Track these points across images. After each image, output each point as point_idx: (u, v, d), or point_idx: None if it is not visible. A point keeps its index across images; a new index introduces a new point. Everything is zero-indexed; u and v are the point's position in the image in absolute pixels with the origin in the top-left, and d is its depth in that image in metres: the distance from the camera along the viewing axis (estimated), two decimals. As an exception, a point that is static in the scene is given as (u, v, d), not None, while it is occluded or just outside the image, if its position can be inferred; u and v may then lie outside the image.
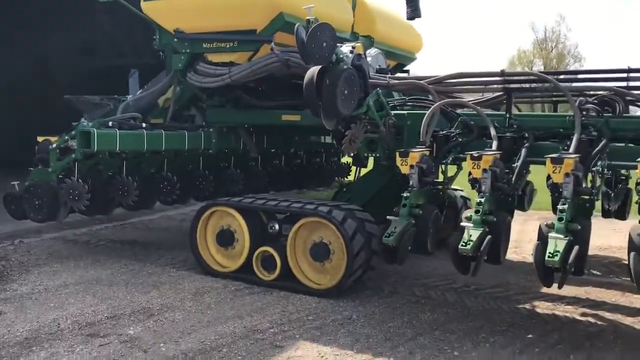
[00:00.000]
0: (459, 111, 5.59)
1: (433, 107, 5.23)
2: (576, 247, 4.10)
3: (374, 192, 6.36)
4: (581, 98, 5.22)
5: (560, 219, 4.23)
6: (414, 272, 6.40)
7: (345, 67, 4.91)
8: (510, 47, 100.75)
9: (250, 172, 8.02)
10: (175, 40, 6.53)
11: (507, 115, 5.23)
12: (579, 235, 4.24)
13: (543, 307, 5.40)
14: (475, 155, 4.56)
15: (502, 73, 5.20)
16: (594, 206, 4.61)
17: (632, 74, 4.80)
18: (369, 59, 6.83)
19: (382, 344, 4.48)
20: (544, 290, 5.88)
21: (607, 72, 4.94)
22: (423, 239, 4.90)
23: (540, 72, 4.99)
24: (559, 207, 4.29)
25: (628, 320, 5.08)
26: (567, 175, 4.25)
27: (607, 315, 5.21)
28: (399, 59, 8.47)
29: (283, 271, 5.81)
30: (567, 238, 4.15)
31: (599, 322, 5.04)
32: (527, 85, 5.29)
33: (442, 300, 5.56)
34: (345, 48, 5.20)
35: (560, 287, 4.28)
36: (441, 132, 5.40)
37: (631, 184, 6.22)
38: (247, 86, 6.73)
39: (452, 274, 5.42)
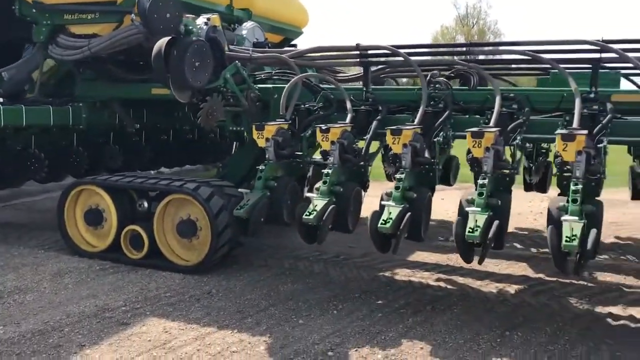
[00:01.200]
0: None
1: (292, 80, 5.26)
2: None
3: (248, 167, 6.35)
4: (434, 71, 5.40)
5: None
6: (289, 245, 6.49)
7: (195, 38, 4.83)
8: (434, 23, 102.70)
9: (133, 148, 7.81)
10: (34, 11, 6.19)
11: (365, 89, 5.33)
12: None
13: (402, 274, 5.62)
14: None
15: (357, 47, 5.28)
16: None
17: (472, 48, 4.99)
18: (244, 32, 6.79)
19: (233, 316, 4.53)
20: (409, 258, 6.16)
21: (451, 46, 5.12)
22: (279, 210, 4.94)
23: (393, 45, 5.08)
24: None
25: (476, 284, 5.37)
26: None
27: (460, 279, 5.49)
28: (285, 34, 8.43)
29: (151, 249, 5.74)
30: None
31: (448, 287, 5.31)
32: (384, 59, 5.41)
33: (307, 271, 5.67)
34: (200, 19, 5.11)
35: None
36: (302, 106, 5.44)
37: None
38: (117, 59, 6.50)
39: (325, 245, 5.51)
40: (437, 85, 5.23)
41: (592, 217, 4.02)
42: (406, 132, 4.43)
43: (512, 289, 5.25)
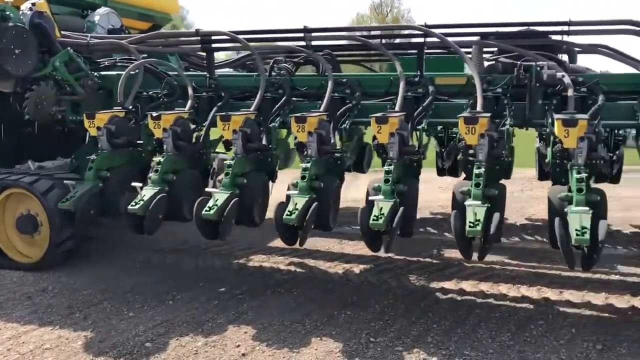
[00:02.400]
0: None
1: (130, 67, 5.11)
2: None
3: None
4: (280, 57, 5.41)
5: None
6: (152, 237, 6.32)
7: (12, 24, 4.57)
8: (350, 11, 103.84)
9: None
10: None
11: (208, 75, 5.26)
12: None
13: (255, 260, 5.63)
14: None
15: (197, 32, 5.20)
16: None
17: (310, 34, 5.03)
18: (96, 18, 6.52)
19: (61, 312, 4.36)
20: (271, 244, 6.17)
21: (289, 31, 5.14)
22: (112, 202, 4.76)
23: (232, 31, 5.04)
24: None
25: (326, 266, 5.46)
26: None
27: (311, 262, 5.57)
28: (154, 20, 8.18)
29: (-7, 246, 5.43)
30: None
31: (297, 270, 5.38)
32: (229, 45, 5.36)
33: (159, 263, 5.57)
34: (25, 5, 4.85)
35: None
36: (145, 93, 5.30)
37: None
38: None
39: (193, 237, 5.42)
40: (281, 72, 5.24)
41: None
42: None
43: (358, 269, 5.38)
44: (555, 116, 3.87)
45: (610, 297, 4.67)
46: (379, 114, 4.12)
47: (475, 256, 3.99)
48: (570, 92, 4.17)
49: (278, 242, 6.16)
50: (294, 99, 5.01)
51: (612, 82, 4.43)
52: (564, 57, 5.11)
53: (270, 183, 4.87)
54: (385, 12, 58.69)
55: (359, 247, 6.02)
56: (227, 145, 4.56)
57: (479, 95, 4.29)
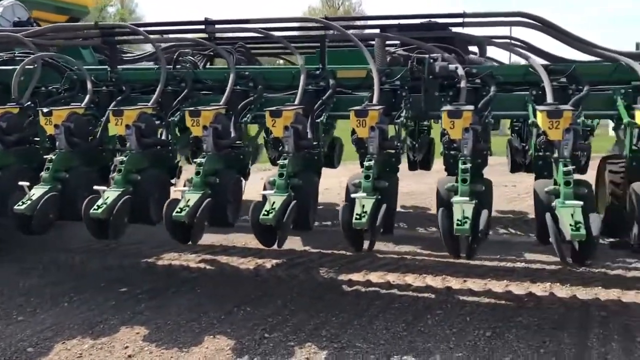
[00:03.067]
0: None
1: (25, 61, 4.90)
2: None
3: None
4: (183, 50, 5.30)
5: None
6: (62, 238, 6.13)
7: None
8: (302, 4, 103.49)
9: None
10: None
11: (109, 69, 5.10)
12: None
13: (166, 259, 5.51)
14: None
15: (95, 25, 5.03)
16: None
17: (213, 26, 4.93)
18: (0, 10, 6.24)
19: (-56, 319, 4.16)
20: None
21: (190, 23, 5.04)
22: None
23: (134, 24, 4.90)
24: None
25: (239, 262, 5.40)
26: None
27: (224, 259, 5.50)
28: (71, 13, 7.91)
29: None
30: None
31: (208, 267, 5.29)
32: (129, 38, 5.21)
33: (65, 264, 5.38)
34: None
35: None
36: (43, 88, 5.10)
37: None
38: None
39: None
40: (187, 65, 5.13)
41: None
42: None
43: (270, 264, 5.34)
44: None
45: (511, 284, 4.78)
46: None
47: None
48: (462, 84, 4.22)
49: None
50: (206, 92, 4.91)
51: (506, 73, 4.50)
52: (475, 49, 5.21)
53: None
54: (337, 4, 58.77)
55: (276, 242, 5.98)
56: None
57: (375, 89, 4.28)
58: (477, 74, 4.37)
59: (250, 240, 6.03)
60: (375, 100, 4.23)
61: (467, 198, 3.62)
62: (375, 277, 4.97)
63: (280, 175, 3.97)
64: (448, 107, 3.86)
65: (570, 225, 3.36)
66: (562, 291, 4.60)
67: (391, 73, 4.54)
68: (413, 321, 4.07)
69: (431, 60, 4.27)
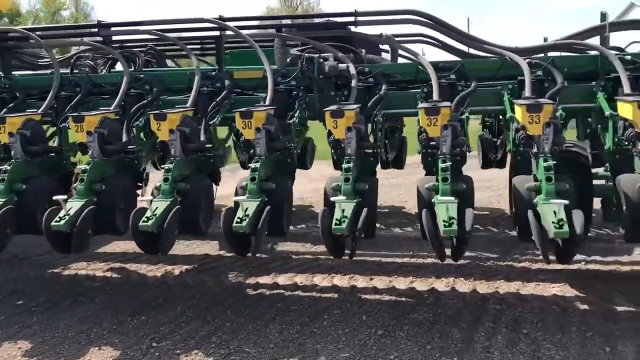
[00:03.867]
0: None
1: None
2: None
3: None
4: (80, 54, 5.17)
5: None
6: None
7: None
8: (260, 4, 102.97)
9: None
10: None
11: (3, 75, 4.93)
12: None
13: (74, 268, 5.36)
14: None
15: (-14, 30, 4.87)
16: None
17: (108, 29, 4.82)
18: None
19: None
20: (102, 249, 5.92)
21: (82, 27, 4.93)
22: None
23: (26, 28, 4.75)
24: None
25: (148, 269, 5.28)
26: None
27: (133, 266, 5.37)
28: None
29: None
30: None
31: (114, 276, 5.16)
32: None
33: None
34: None
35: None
36: None
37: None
38: None
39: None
40: (86, 69, 5.01)
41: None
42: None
43: (179, 270, 5.25)
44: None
45: (416, 280, 4.79)
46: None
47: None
48: (353, 83, 4.21)
49: (108, 247, 5.98)
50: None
51: (399, 71, 4.52)
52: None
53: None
54: (295, 4, 58.75)
55: (192, 248, 5.90)
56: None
57: (269, 89, 4.24)
58: (369, 73, 4.37)
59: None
60: (268, 101, 4.18)
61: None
62: (283, 279, 4.93)
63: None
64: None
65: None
66: (465, 286, 4.64)
67: (286, 73, 4.50)
68: (309, 323, 4.04)
69: (321, 60, 4.25)
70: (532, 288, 4.54)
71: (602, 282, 4.60)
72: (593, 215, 4.88)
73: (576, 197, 3.56)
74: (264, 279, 4.92)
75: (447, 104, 3.76)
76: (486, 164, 6.38)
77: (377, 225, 4.31)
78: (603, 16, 4.03)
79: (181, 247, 5.85)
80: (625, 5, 36.88)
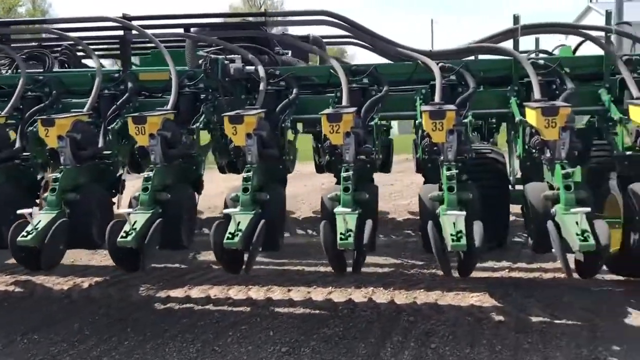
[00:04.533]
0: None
1: None
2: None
3: None
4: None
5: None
6: None
7: None
8: (223, 3, 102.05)
9: None
10: None
11: None
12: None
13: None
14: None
15: None
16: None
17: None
18: None
19: None
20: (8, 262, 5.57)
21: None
22: None
23: None
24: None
25: (55, 282, 4.96)
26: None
27: (41, 279, 5.04)
28: None
29: None
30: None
31: (17, 290, 4.85)
32: None
33: None
34: None
35: (355, 271, 3.50)
36: None
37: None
38: None
39: None
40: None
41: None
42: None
43: (88, 283, 4.95)
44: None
45: (335, 291, 4.61)
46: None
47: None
48: (262, 86, 4.01)
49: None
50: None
51: (313, 74, 4.34)
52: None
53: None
54: (259, 4, 58.39)
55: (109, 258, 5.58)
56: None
57: (173, 92, 4.01)
58: (280, 76, 4.18)
59: (81, 256, 5.62)
60: (170, 106, 3.95)
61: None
62: (197, 291, 4.68)
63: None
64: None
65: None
66: (383, 296, 4.49)
67: (194, 75, 4.28)
68: (212, 340, 3.82)
69: (227, 62, 4.03)
70: (450, 298, 4.42)
71: (523, 290, 4.51)
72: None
73: (493, 204, 3.51)
74: (176, 292, 4.68)
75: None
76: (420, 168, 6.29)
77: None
78: (516, 19, 3.94)
79: (98, 257, 5.57)
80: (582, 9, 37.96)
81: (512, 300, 4.31)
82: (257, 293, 4.62)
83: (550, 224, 3.17)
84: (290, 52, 5.12)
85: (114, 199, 4.33)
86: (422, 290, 4.57)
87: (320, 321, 4.05)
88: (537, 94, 3.66)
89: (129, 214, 3.45)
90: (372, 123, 3.77)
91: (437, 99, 3.74)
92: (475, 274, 4.85)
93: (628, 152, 3.58)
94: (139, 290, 4.76)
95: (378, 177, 4.23)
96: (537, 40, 5.53)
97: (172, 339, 3.83)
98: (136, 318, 4.20)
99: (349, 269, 3.54)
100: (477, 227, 3.19)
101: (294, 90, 4.08)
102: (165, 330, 3.98)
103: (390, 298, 4.44)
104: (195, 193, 4.15)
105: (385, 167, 6.36)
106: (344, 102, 3.81)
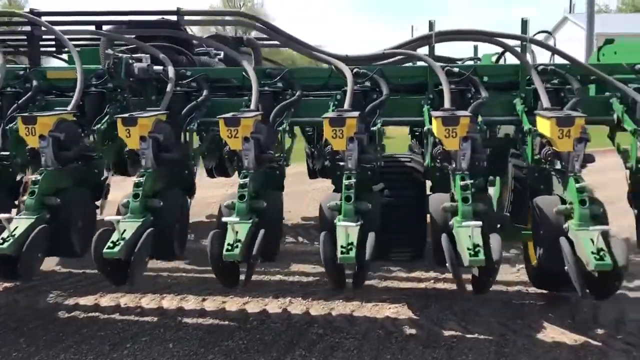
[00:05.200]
0: None
1: None
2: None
3: None
4: None
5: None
6: None
7: None
8: (203, 3, 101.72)
9: None
10: None
11: None
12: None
13: None
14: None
15: None
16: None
17: None
18: None
19: None
20: None
21: None
22: None
23: None
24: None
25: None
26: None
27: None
28: None
29: None
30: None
31: None
32: None
33: None
34: None
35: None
36: None
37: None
38: None
39: None
40: None
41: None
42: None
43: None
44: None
45: (252, 301, 4.44)
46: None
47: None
48: (169, 87, 3.85)
49: None
50: None
51: (223, 76, 4.18)
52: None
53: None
54: (239, 5, 58.18)
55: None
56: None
57: (77, 91, 3.83)
58: (190, 77, 4.02)
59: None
60: (71, 107, 3.77)
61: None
62: (107, 300, 4.49)
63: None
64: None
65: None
66: (299, 306, 4.34)
67: (102, 74, 4.09)
68: (108, 352, 3.64)
69: (131, 61, 3.86)
70: (368, 309, 4.29)
71: (444, 302, 4.39)
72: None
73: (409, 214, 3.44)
74: (86, 300, 4.48)
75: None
76: (311, 174, 6.36)
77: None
78: (431, 25, 3.84)
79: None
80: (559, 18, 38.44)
81: (429, 313, 4.20)
82: (170, 302, 4.45)
83: (444, 238, 3.04)
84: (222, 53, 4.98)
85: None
86: (341, 300, 4.44)
87: (226, 333, 3.89)
88: (447, 102, 3.55)
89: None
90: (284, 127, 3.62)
91: (346, 105, 3.60)
92: (398, 284, 4.82)
93: (533, 164, 3.50)
94: (48, 297, 4.55)
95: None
96: (475, 47, 5.44)
97: (65, 351, 3.65)
98: (34, 327, 4.00)
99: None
100: (372, 238, 3.03)
101: (204, 92, 3.92)
102: (61, 340, 3.79)
103: (305, 309, 4.30)
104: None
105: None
106: (252, 105, 3.66)
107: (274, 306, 4.35)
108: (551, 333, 3.86)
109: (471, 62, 5.13)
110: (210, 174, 6.26)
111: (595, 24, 21.60)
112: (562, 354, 3.58)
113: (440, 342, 3.74)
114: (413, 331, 3.92)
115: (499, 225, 3.36)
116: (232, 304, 4.40)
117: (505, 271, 5.03)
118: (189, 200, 3.89)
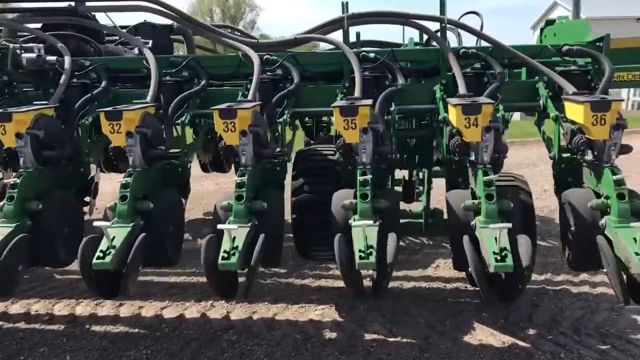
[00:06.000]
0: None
1: None
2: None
3: None
4: None
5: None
6: None
7: None
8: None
9: None
10: None
11: None
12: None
13: None
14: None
15: None
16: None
17: None
18: None
19: None
20: None
21: None
22: None
23: None
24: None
25: None
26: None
27: None
28: None
29: None
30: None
31: None
32: None
33: None
34: None
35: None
36: None
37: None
38: None
39: None
40: None
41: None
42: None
43: None
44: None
45: (170, 306, 4.17)
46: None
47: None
48: (62, 79, 3.56)
49: None
50: None
51: (123, 66, 3.90)
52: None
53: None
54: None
55: None
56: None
57: None
58: (89, 67, 3.73)
59: None
60: None
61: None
62: (18, 306, 4.20)
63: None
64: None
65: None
66: (219, 311, 4.06)
67: None
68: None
69: (19, 51, 3.56)
70: (292, 312, 4.04)
71: (375, 302, 4.13)
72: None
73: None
74: (15, 308, 4.19)
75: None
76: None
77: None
78: (343, 7, 3.56)
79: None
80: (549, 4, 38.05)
81: (356, 314, 3.96)
82: (84, 308, 4.18)
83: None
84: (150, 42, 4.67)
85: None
86: (266, 302, 4.18)
87: (132, 342, 3.63)
88: (357, 91, 3.28)
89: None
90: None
91: (250, 96, 3.31)
92: (332, 284, 4.56)
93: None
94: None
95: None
96: (357, 34, 4.91)
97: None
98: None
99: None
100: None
101: (103, 83, 3.64)
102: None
103: (226, 313, 4.04)
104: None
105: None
106: (149, 97, 3.38)
107: (192, 311, 4.09)
108: (479, 335, 3.62)
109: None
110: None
111: (582, 8, 21.33)
112: (485, 358, 3.34)
113: (358, 347, 3.49)
114: (334, 335, 3.68)
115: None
116: (149, 309, 4.14)
117: (442, 267, 4.80)
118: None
